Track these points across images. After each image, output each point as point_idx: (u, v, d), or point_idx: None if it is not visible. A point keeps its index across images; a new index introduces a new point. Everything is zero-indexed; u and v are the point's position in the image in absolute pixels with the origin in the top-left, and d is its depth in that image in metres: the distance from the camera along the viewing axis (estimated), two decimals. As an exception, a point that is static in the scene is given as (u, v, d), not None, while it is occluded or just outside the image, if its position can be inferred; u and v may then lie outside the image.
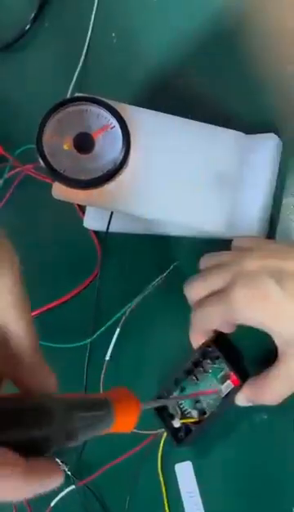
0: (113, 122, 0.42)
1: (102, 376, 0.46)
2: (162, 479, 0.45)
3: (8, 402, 0.29)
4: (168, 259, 0.47)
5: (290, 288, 0.36)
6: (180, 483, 0.44)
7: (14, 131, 0.57)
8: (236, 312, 0.38)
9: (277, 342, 0.37)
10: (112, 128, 0.42)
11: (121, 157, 0.41)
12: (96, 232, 0.52)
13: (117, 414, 0.31)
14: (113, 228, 0.48)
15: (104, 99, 0.42)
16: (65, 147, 0.42)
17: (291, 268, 0.36)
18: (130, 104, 0.44)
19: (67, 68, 0.56)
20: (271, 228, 0.43)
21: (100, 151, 0.42)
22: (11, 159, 0.54)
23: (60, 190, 0.43)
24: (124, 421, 0.31)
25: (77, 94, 0.43)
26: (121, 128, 0.41)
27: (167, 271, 0.47)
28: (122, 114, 0.42)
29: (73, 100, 0.42)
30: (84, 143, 0.42)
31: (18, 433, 0.28)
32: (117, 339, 0.47)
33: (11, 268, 0.30)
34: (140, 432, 0.44)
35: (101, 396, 0.32)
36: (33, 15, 0.60)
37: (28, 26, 0.60)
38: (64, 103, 0.42)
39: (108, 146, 0.42)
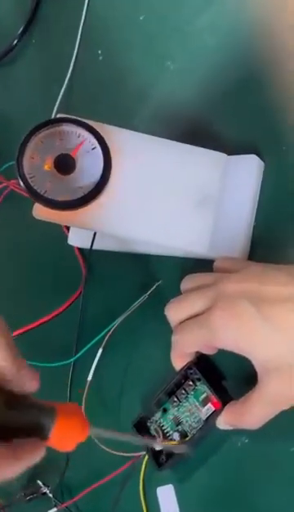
0: (94, 143, 0.41)
1: (85, 396, 0.46)
2: (143, 502, 0.44)
3: None
4: (152, 278, 0.47)
5: (267, 312, 0.35)
6: (161, 507, 0.44)
7: (-1, 146, 0.57)
8: (214, 336, 0.37)
9: (255, 366, 0.37)
10: (93, 148, 0.42)
11: (102, 178, 0.41)
12: (81, 249, 0.52)
13: (56, 427, 0.31)
14: (98, 246, 0.48)
15: (85, 120, 0.42)
16: (46, 168, 0.41)
17: (269, 292, 0.36)
18: (113, 123, 0.43)
19: (53, 83, 0.56)
20: (253, 249, 0.43)
21: (81, 172, 0.41)
22: (-3, 174, 0.54)
23: (40, 211, 0.42)
24: (62, 437, 0.31)
25: (58, 115, 0.42)
26: (102, 149, 0.41)
27: (150, 291, 0.46)
28: (104, 135, 0.42)
29: (54, 121, 0.42)
30: (65, 164, 0.41)
31: None
32: (99, 358, 0.47)
33: None
34: (122, 454, 0.44)
35: (50, 404, 0.32)
36: (20, 30, 0.60)
37: (15, 41, 0.60)
38: (44, 124, 0.41)
39: (89, 167, 0.41)
